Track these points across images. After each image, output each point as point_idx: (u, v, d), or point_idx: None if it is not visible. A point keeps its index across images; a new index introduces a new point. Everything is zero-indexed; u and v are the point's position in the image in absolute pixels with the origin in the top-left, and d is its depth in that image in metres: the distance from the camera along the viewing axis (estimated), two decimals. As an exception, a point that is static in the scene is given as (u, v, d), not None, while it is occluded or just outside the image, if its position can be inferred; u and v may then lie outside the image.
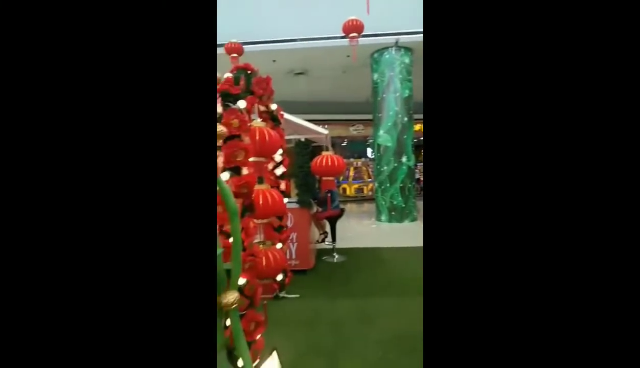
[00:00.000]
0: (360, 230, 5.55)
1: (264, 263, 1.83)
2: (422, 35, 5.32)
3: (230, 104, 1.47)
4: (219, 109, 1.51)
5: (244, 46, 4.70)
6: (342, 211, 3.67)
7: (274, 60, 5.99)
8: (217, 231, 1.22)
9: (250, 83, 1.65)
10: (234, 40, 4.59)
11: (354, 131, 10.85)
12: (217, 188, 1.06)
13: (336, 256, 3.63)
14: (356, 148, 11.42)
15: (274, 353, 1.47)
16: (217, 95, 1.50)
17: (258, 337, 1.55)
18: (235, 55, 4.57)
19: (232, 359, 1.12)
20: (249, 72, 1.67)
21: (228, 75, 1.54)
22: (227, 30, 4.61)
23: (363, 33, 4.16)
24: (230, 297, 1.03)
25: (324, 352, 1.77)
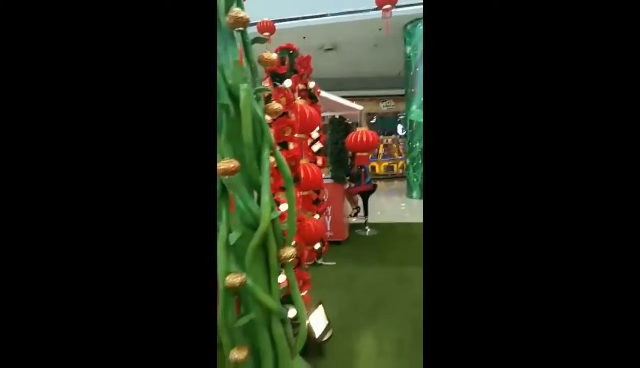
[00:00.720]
0: (391, 207, 5.61)
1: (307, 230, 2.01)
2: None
3: (277, 84, 1.59)
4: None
5: (275, 24, 4.74)
6: (374, 186, 3.76)
7: (304, 37, 5.96)
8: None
9: (293, 62, 1.75)
10: (266, 19, 4.64)
11: (384, 107, 10.62)
12: (273, 160, 1.21)
13: (368, 230, 3.77)
14: (386, 125, 11.19)
15: (320, 306, 1.66)
16: (266, 75, 1.62)
17: (305, 293, 1.76)
18: (267, 33, 4.63)
19: (285, 307, 1.32)
20: (291, 52, 1.77)
21: (274, 56, 1.66)
22: (257, 9, 4.65)
23: (397, 4, 4.02)
24: (288, 252, 1.20)
25: (363, 309, 1.95)
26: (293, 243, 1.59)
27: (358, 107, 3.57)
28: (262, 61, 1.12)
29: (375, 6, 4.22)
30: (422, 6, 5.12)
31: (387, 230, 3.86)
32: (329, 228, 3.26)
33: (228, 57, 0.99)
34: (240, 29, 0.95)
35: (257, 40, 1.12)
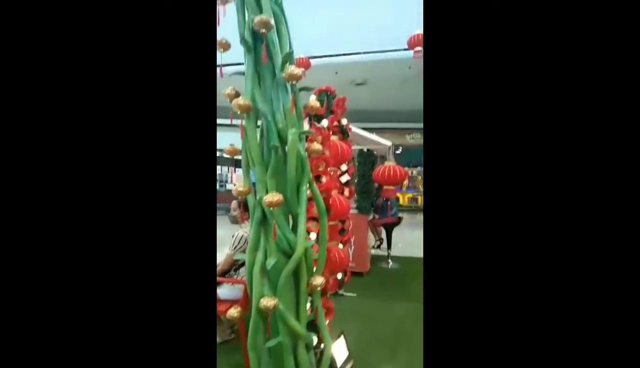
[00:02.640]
0: (413, 240, 5.52)
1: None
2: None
3: (316, 123, 1.75)
4: (306, 126, 1.80)
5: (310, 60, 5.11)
6: (399, 219, 3.78)
7: (336, 72, 6.32)
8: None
9: (331, 103, 1.92)
10: (302, 56, 5.02)
11: (410, 139, 10.69)
12: (310, 192, 1.33)
13: (390, 263, 3.75)
14: (412, 157, 11.19)
15: (342, 337, 1.69)
16: (305, 116, 1.79)
17: (328, 321, 1.79)
18: (303, 69, 4.98)
19: (314, 330, 1.37)
20: (329, 94, 1.95)
21: (318, 104, 1.83)
22: (294, 45, 5.05)
23: (427, 46, 4.22)
24: (318, 280, 1.28)
25: (384, 343, 1.94)
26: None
27: (386, 142, 3.70)
28: (309, 108, 1.27)
29: (405, 46, 4.46)
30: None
31: (409, 264, 3.80)
32: (351, 259, 3.29)
33: (280, 104, 1.15)
34: (294, 82, 1.11)
35: (304, 88, 1.28)
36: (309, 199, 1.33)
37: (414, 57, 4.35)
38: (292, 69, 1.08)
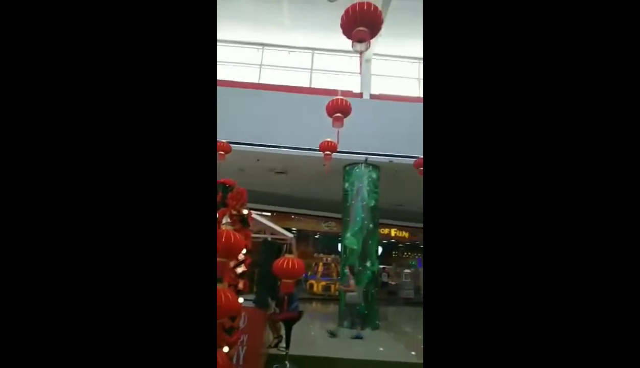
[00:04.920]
0: (321, 334, 5.28)
1: None
2: (387, 157, 6.32)
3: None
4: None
5: (232, 145, 5.33)
6: (300, 314, 3.63)
7: (257, 160, 6.66)
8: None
9: (226, 196, 1.96)
10: (223, 140, 5.22)
11: (325, 227, 11.23)
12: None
13: (288, 365, 3.42)
14: (327, 243, 11.58)
15: None
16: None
17: None
18: (222, 152, 5.12)
19: None
20: (227, 186, 2.01)
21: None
22: (220, 130, 5.28)
23: (337, 150, 4.91)
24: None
25: None
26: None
27: (288, 234, 3.81)
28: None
29: (317, 148, 5.09)
30: (357, 155, 6.27)
31: (309, 366, 3.53)
32: (241, 362, 2.91)
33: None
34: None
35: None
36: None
37: (324, 159, 4.98)
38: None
